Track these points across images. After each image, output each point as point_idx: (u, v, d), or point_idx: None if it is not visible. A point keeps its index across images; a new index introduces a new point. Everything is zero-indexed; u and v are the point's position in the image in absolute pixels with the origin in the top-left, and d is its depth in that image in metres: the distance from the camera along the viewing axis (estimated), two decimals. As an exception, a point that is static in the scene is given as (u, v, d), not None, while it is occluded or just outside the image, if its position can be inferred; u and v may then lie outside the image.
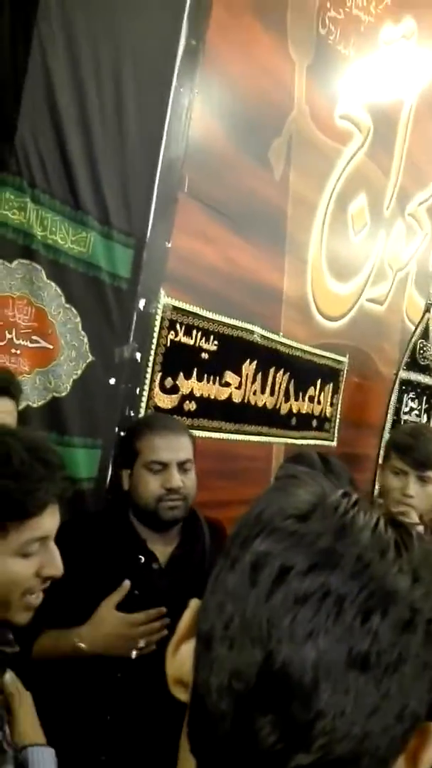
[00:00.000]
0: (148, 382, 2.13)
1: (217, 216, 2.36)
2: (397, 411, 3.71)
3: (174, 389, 2.25)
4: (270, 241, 2.70)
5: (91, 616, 1.50)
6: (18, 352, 1.74)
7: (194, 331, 2.31)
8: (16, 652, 1.02)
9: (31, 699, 1.13)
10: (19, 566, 0.98)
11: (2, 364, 1.70)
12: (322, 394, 3.21)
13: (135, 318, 2.04)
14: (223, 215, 2.39)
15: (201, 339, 2.35)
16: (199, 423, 2.35)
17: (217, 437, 2.47)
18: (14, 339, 1.73)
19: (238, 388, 2.58)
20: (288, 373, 2.89)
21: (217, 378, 2.46)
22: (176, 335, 2.23)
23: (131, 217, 2.00)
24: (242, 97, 2.43)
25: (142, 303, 2.06)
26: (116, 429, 2.03)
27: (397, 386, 3.69)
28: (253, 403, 2.68)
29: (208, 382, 2.41)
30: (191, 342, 2.31)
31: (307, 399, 3.08)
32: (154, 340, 2.14)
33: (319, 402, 3.19)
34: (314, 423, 3.19)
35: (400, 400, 3.69)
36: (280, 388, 2.85)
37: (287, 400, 2.92)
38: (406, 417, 3.73)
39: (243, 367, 2.59)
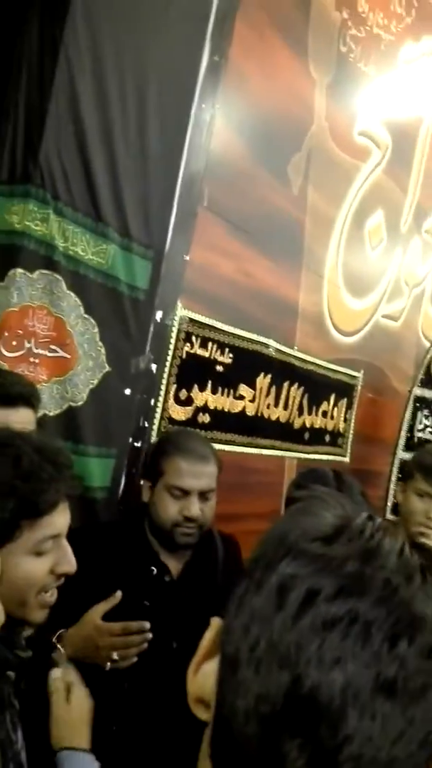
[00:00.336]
0: (162, 393, 2.14)
1: (235, 230, 2.38)
2: (411, 428, 3.70)
3: (188, 401, 2.26)
4: (287, 256, 2.72)
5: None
6: (36, 361, 1.76)
7: (210, 344, 2.32)
8: (30, 657, 1.02)
9: (83, 698, 1.13)
10: (34, 564, 0.99)
11: (21, 372, 1.72)
12: (336, 409, 3.21)
13: (152, 329, 2.05)
14: (242, 229, 2.41)
15: (216, 351, 2.36)
16: (212, 435, 2.36)
17: (229, 450, 2.47)
18: (33, 348, 1.75)
19: (252, 401, 2.58)
20: (302, 388, 2.89)
21: (232, 391, 2.47)
22: (192, 347, 2.24)
23: (151, 230, 2.02)
24: (263, 112, 2.45)
25: (159, 315, 2.07)
26: (130, 439, 2.04)
27: (411, 403, 3.68)
28: (266, 416, 2.68)
29: (222, 394, 2.42)
30: (206, 354, 2.32)
31: (320, 414, 3.08)
32: (170, 352, 2.15)
33: (332, 417, 3.19)
34: (327, 438, 3.18)
35: (414, 417, 3.68)
36: (293, 402, 2.85)
37: (301, 414, 2.92)
38: (420, 434, 3.72)
39: (257, 380, 2.60)
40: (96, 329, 1.89)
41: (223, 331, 2.38)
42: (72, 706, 1.12)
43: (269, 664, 0.39)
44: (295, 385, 2.84)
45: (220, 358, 2.38)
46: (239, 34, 2.23)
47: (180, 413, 2.23)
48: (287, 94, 2.57)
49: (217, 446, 2.35)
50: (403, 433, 3.77)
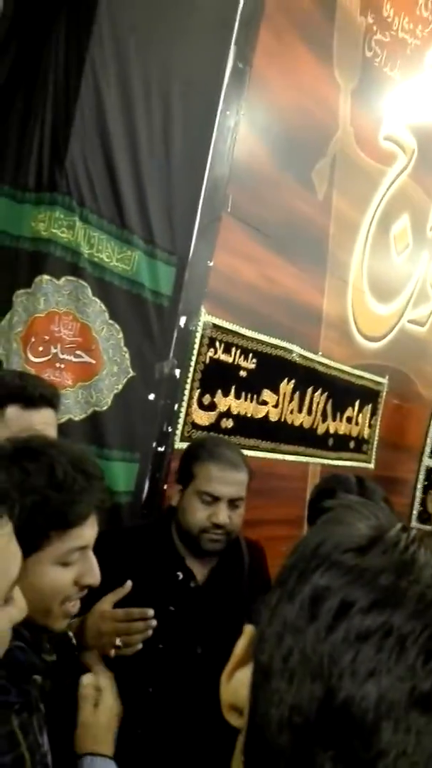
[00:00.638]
0: (186, 398, 2.15)
1: (259, 236, 2.38)
2: (437, 434, 3.65)
3: (212, 406, 2.27)
4: (311, 261, 2.71)
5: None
6: (62, 366, 1.78)
7: (233, 349, 2.33)
8: (54, 661, 1.03)
9: (112, 704, 1.13)
10: (59, 574, 1.00)
11: (47, 377, 1.73)
12: (361, 415, 3.19)
13: (176, 335, 2.07)
14: (266, 235, 2.41)
15: (240, 357, 2.36)
16: (235, 441, 2.36)
17: (253, 455, 2.46)
18: (59, 353, 1.77)
19: (276, 406, 2.58)
20: (326, 393, 2.88)
21: (255, 396, 2.47)
22: (215, 353, 2.25)
23: (175, 236, 2.03)
24: (287, 118, 2.46)
25: (183, 320, 2.08)
26: (154, 444, 2.05)
27: (437, 409, 3.64)
28: (290, 422, 2.68)
29: (245, 399, 2.42)
30: (230, 360, 2.32)
31: (344, 420, 3.06)
32: (194, 357, 2.16)
33: (357, 423, 3.17)
34: (351, 444, 3.16)
35: (440, 424, 3.63)
36: (317, 408, 2.84)
37: (324, 420, 2.91)
38: (446, 441, 3.67)
39: (281, 385, 2.59)
40: (121, 335, 1.91)
41: (247, 336, 2.38)
42: (99, 712, 1.12)
43: (302, 676, 0.39)
44: (319, 391, 2.83)
45: (244, 364, 2.39)
46: (263, 40, 2.24)
47: (203, 418, 2.24)
48: (312, 100, 2.57)
49: (241, 452, 2.36)
50: (429, 440, 3.73)
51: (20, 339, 1.71)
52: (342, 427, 3.05)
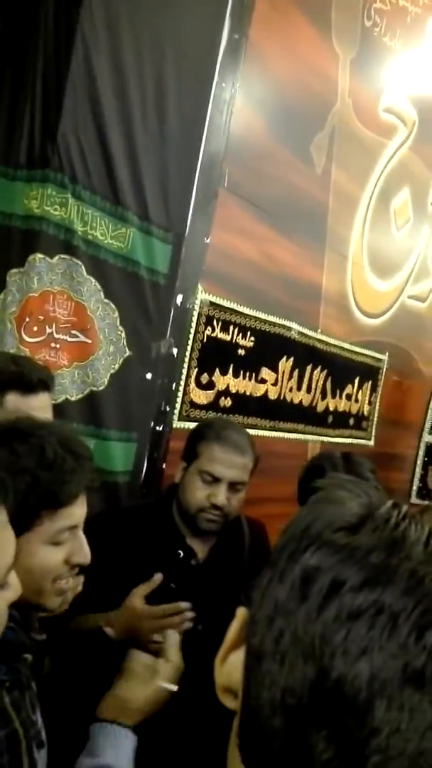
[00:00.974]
0: (184, 377, 2.13)
1: (257, 211, 2.35)
2: (438, 411, 3.65)
3: (210, 385, 2.26)
4: (310, 237, 2.68)
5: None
6: (57, 346, 1.77)
7: (231, 327, 2.31)
8: (44, 639, 1.04)
9: (158, 695, 1.15)
10: (50, 554, 1.01)
11: (42, 358, 1.73)
12: (360, 392, 3.18)
13: (172, 313, 2.05)
14: (263, 210, 2.38)
15: (238, 335, 2.34)
16: (234, 419, 2.35)
17: (252, 434, 2.45)
18: (54, 333, 1.76)
19: (275, 384, 2.57)
20: (325, 371, 2.86)
21: (254, 374, 2.45)
22: (213, 331, 2.23)
23: (170, 213, 2.00)
24: (284, 91, 2.41)
25: (179, 298, 2.06)
26: (152, 423, 2.05)
27: (437, 385, 3.63)
28: (289, 400, 2.67)
29: (244, 378, 2.41)
30: (228, 338, 2.31)
31: (344, 397, 3.05)
32: (191, 336, 2.14)
33: (356, 400, 3.16)
34: (351, 421, 3.16)
35: (440, 400, 3.62)
36: (317, 385, 2.83)
37: (324, 397, 2.90)
38: (446, 417, 3.67)
39: (279, 363, 2.58)
40: (116, 314, 1.89)
41: (245, 314, 2.36)
42: (145, 693, 1.13)
43: (294, 657, 0.39)
44: (318, 368, 2.82)
45: (242, 342, 2.37)
46: (259, 10, 2.19)
47: (201, 397, 2.23)
48: (309, 71, 2.51)
49: (239, 430, 2.36)
50: (429, 416, 3.72)
51: (14, 319, 1.70)
52: (341, 405, 3.05)
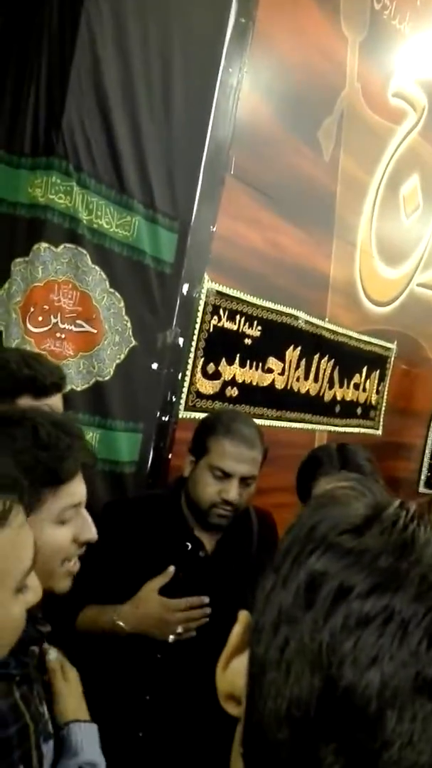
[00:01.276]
0: (190, 367, 2.12)
1: (264, 199, 2.32)
2: (446, 400, 3.62)
3: (216, 375, 2.24)
4: (318, 225, 2.65)
5: (132, 597, 1.52)
6: (63, 336, 1.76)
7: (238, 317, 2.29)
8: (50, 631, 1.04)
9: (76, 675, 1.16)
10: (58, 533, 1.01)
11: (47, 348, 1.72)
12: (368, 381, 3.15)
13: (178, 303, 2.03)
14: (270, 198, 2.35)
15: (244, 324, 2.33)
16: (240, 409, 2.34)
17: (259, 424, 2.44)
18: (59, 323, 1.75)
19: (281, 374, 2.55)
20: (333, 360, 2.84)
21: (260, 364, 2.44)
22: (219, 320, 2.21)
23: (176, 201, 1.98)
24: (292, 75, 2.37)
25: (185, 288, 2.05)
26: (158, 413, 2.04)
27: (446, 374, 3.60)
28: (296, 389, 2.65)
29: (250, 368, 2.39)
30: (234, 327, 2.29)
31: (352, 386, 3.03)
32: (197, 325, 2.13)
33: (364, 389, 3.14)
34: (359, 411, 3.14)
35: (449, 389, 3.60)
36: (324, 374, 2.81)
37: (331, 387, 2.88)
38: (454, 406, 3.64)
39: (286, 353, 2.56)
40: (122, 303, 1.88)
41: (252, 303, 2.34)
42: (70, 683, 1.13)
43: (300, 667, 0.38)
44: (326, 358, 2.79)
45: (249, 331, 2.35)
46: (267, -8, 2.15)
47: (208, 387, 2.22)
48: (318, 56, 2.47)
49: (246, 420, 2.34)
50: (438, 405, 3.70)
51: (19, 309, 1.69)
52: (349, 394, 3.03)
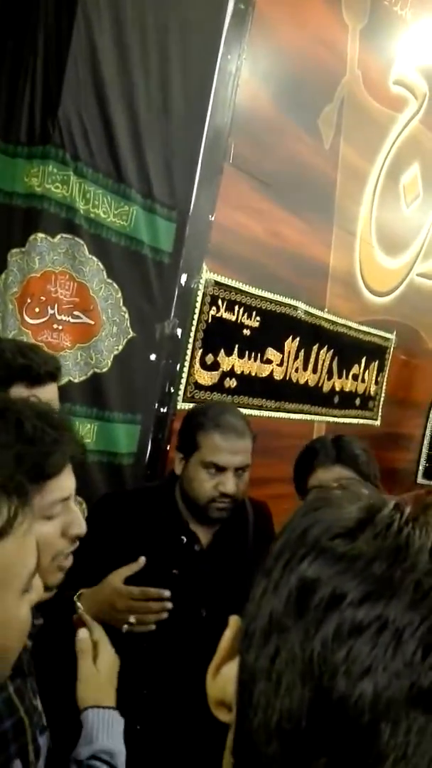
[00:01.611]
0: (188, 358, 2.11)
1: (263, 187, 2.30)
2: (445, 390, 3.61)
3: (215, 366, 2.23)
4: (317, 214, 2.63)
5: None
6: (60, 327, 1.74)
7: (236, 307, 2.28)
8: (42, 624, 1.03)
9: (110, 657, 1.14)
10: (46, 529, 0.99)
11: (44, 339, 1.70)
12: (367, 371, 3.14)
13: (176, 293, 2.01)
14: (269, 187, 2.32)
15: (243, 315, 2.31)
16: (239, 400, 2.33)
17: (257, 415, 2.44)
18: (56, 314, 1.73)
19: (280, 365, 2.54)
20: (332, 350, 2.83)
21: (259, 355, 2.43)
22: (218, 311, 2.20)
23: (174, 190, 1.96)
24: (292, 62, 2.34)
25: (183, 278, 2.03)
26: (156, 405, 2.03)
27: (446, 364, 3.59)
28: (295, 380, 2.64)
29: (249, 358, 2.38)
30: (233, 318, 2.27)
31: (351, 377, 3.02)
32: (196, 316, 2.11)
33: (363, 380, 3.13)
34: (357, 401, 3.13)
35: (448, 379, 3.59)
36: (323, 365, 2.80)
37: (330, 377, 2.87)
38: (453, 397, 3.64)
39: (285, 343, 2.55)
40: (119, 294, 1.86)
41: (250, 293, 2.32)
42: (99, 667, 1.13)
43: (291, 677, 0.36)
44: (325, 348, 2.78)
45: (247, 322, 2.34)
46: (266, -22, 2.12)
47: (206, 378, 2.21)
48: (318, 42, 2.44)
49: (245, 411, 2.33)
50: (437, 396, 3.69)
51: (16, 300, 1.67)
52: (348, 385, 3.02)
